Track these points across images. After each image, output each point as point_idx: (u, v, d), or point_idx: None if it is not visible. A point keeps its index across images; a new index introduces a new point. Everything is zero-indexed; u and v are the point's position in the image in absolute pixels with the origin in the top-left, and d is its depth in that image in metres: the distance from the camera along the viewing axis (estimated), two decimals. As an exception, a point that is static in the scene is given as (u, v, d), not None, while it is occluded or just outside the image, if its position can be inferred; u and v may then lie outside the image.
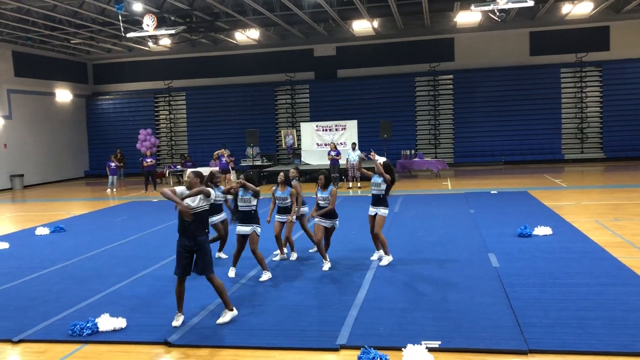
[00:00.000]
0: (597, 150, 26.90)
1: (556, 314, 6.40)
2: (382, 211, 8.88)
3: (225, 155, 21.97)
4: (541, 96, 27.04)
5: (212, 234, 9.44)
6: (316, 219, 8.85)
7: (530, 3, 17.40)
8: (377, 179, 8.86)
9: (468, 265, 8.77)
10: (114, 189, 23.06)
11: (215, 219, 9.48)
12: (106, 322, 6.55)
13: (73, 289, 8.38)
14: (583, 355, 5.39)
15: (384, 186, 8.84)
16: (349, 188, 20.52)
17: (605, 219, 12.12)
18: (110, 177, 23.30)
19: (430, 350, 5.51)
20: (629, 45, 26.25)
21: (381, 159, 9.07)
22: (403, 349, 5.50)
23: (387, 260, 8.96)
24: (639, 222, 11.63)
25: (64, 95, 30.01)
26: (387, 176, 8.77)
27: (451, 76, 28.06)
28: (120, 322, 6.59)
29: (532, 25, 26.41)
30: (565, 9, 24.00)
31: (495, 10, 17.44)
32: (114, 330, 6.49)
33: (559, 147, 27.07)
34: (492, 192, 17.48)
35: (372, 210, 8.98)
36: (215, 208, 9.33)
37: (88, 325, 6.47)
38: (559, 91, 27.09)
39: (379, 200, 8.90)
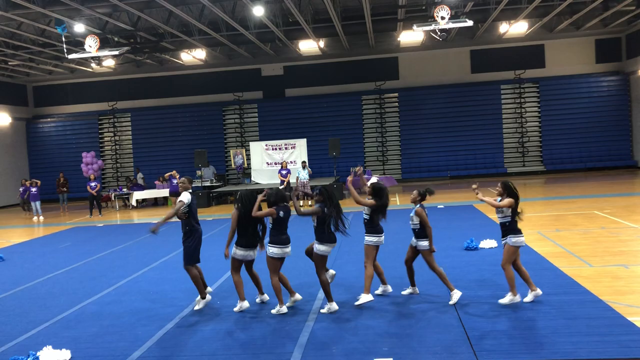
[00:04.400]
0: (538, 164, 27.93)
1: (503, 326, 6.56)
2: (366, 239, 7.74)
3: (177, 177, 21.68)
4: (483, 112, 27.93)
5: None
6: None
7: (470, 23, 18.02)
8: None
9: (417, 280, 8.86)
10: (40, 217, 22.02)
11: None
12: (49, 355, 6.28)
13: (13, 322, 8.01)
14: (530, 365, 5.54)
15: (367, 210, 7.77)
16: (300, 206, 20.48)
17: (546, 230, 12.55)
18: (32, 204, 22.33)
19: (383, 367, 5.55)
20: (562, 63, 27.53)
21: (373, 179, 7.96)
22: (356, 367, 5.52)
23: (364, 298, 7.56)
24: (579, 232, 12.10)
25: (2, 118, 28.90)
26: (366, 201, 7.66)
27: (396, 94, 28.65)
28: (64, 354, 6.34)
29: (472, 44, 27.36)
30: (503, 28, 25.05)
31: (437, 30, 17.97)
32: (58, 363, 6.23)
33: (501, 161, 27.95)
34: (438, 206, 17.84)
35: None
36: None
37: (29, 359, 6.19)
38: (500, 107, 28.06)
39: (365, 225, 7.82)
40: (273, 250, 7.54)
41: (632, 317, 6.52)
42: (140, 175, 26.71)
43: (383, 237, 7.82)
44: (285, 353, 6.11)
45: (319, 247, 7.52)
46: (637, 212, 14.43)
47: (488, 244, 10.98)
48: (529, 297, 7.40)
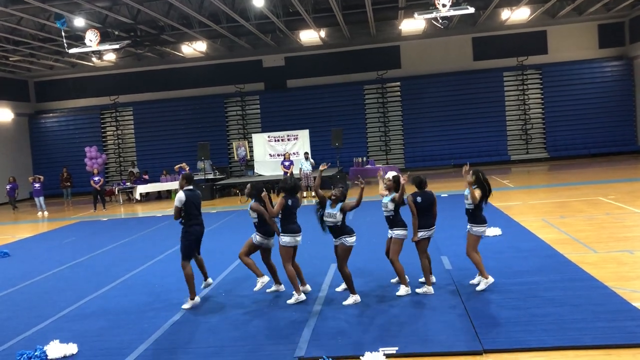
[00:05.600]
0: (541, 151, 27.83)
1: (508, 313, 6.56)
2: (397, 232, 7.63)
3: (187, 168, 21.69)
4: (486, 99, 27.80)
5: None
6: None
7: (471, 10, 17.88)
8: (385, 199, 7.67)
9: (416, 272, 8.85)
10: (44, 212, 21.90)
11: None
12: (56, 349, 6.31)
13: (19, 317, 8.05)
14: (535, 352, 5.54)
15: (391, 206, 7.60)
16: (304, 197, 20.52)
17: (551, 217, 12.52)
18: (36, 199, 22.24)
19: (388, 356, 5.58)
20: (565, 49, 27.33)
21: (390, 174, 7.87)
22: (361, 357, 5.54)
23: (404, 290, 7.62)
24: (583, 219, 12.07)
25: (4, 114, 28.92)
26: (396, 195, 7.60)
27: (398, 83, 28.53)
28: (71, 348, 6.37)
29: (474, 31, 27.18)
30: (505, 15, 24.85)
31: (438, 18, 17.83)
32: (65, 357, 6.26)
33: (505, 148, 27.86)
34: (442, 195, 17.78)
35: (389, 233, 7.83)
36: None
37: (36, 353, 6.22)
38: (503, 94, 27.92)
39: (390, 221, 7.71)
40: (285, 239, 7.65)
41: (637, 302, 6.51)
42: (135, 170, 26.73)
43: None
44: (291, 344, 6.12)
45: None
46: (642, 197, 14.37)
47: (492, 232, 10.94)
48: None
